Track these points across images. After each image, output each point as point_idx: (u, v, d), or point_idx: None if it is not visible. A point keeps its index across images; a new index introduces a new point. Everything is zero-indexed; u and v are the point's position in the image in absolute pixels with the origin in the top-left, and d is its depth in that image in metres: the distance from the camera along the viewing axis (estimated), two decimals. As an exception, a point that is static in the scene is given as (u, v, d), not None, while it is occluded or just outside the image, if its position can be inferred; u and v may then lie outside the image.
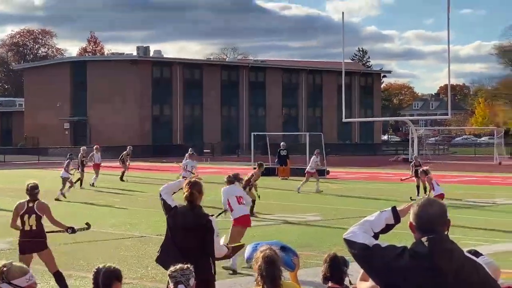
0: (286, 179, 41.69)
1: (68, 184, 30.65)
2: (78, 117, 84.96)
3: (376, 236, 4.69)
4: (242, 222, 14.84)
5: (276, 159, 44.84)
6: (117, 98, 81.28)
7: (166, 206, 8.67)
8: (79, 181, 34.19)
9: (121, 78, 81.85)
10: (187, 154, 34.24)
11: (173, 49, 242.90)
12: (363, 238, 4.60)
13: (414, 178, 29.99)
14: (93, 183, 35.52)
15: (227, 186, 15.16)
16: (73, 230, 12.43)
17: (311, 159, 35.04)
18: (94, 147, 38.53)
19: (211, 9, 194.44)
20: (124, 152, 40.38)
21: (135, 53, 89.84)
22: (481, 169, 50.98)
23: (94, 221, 21.95)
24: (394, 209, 4.81)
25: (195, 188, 8.43)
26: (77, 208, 26.16)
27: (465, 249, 7.87)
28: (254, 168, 26.92)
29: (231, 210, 14.87)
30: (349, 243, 4.65)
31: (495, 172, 48.41)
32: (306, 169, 34.51)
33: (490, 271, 7.30)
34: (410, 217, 4.58)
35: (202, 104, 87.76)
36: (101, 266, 6.08)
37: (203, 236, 8.20)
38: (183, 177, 28.62)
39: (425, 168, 24.49)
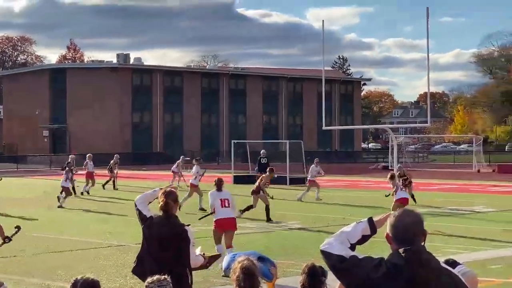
0: (267, 187, 41.57)
1: (63, 194, 30.90)
2: (58, 124, 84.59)
3: (352, 247, 4.66)
4: (219, 225, 15.39)
5: (256, 167, 44.79)
6: (97, 106, 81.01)
7: (142, 217, 8.60)
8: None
9: (101, 85, 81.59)
10: (191, 162, 34.39)
11: (154, 57, 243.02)
12: (340, 249, 4.58)
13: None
14: (87, 191, 35.64)
15: (214, 190, 15.85)
16: (9, 239, 12.35)
17: (310, 167, 34.64)
18: (87, 156, 38.41)
19: (191, 17, 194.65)
20: (112, 161, 40.36)
21: (115, 60, 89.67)
22: (460, 177, 51.20)
23: (74, 229, 21.88)
24: (370, 220, 4.79)
25: (170, 198, 8.37)
26: (56, 216, 26.02)
27: (443, 258, 7.89)
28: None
29: (215, 213, 15.57)
30: (326, 254, 4.62)
31: (474, 179, 48.63)
32: (308, 178, 34.26)
33: (468, 281, 7.31)
34: (387, 228, 4.56)
35: (182, 111, 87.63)
36: (79, 277, 6.01)
37: (179, 246, 8.14)
38: (192, 185, 29.07)
39: (392, 173, 24.52)
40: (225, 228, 15.43)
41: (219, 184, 16.04)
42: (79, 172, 36.31)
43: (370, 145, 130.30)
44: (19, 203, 30.80)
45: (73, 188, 33.79)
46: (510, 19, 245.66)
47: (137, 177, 48.11)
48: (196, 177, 29.55)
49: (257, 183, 25.60)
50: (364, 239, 4.74)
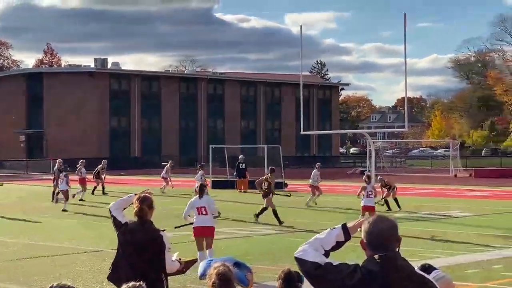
0: (245, 192, 41.66)
1: (61, 196, 31.58)
2: (34, 129, 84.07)
3: (327, 254, 4.64)
4: (197, 233, 15.82)
5: (235, 172, 44.82)
6: (74, 110, 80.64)
7: (116, 223, 8.55)
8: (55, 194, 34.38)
9: (78, 90, 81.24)
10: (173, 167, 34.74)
11: (131, 61, 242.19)
12: (314, 256, 4.56)
13: (387, 193, 30.17)
14: (80, 198, 34.98)
15: (196, 197, 16.05)
16: None
17: (313, 172, 34.47)
18: (80, 162, 38.22)
19: (169, 21, 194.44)
20: (99, 166, 40.32)
21: (92, 65, 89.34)
22: (437, 182, 51.46)
23: (51, 235, 21.74)
24: (344, 226, 4.77)
25: (145, 203, 8.32)
26: (30, 222, 25.84)
27: (419, 263, 7.91)
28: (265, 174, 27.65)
29: (187, 221, 16.13)
30: (300, 261, 4.61)
31: (451, 184, 48.88)
32: (310, 183, 34.07)
33: (444, 285, 7.33)
34: (361, 234, 4.55)
35: (160, 116, 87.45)
36: (55, 284, 5.95)
37: (154, 252, 8.09)
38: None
39: (366, 176, 24.64)
40: (202, 235, 15.82)
41: (201, 191, 16.11)
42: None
43: (352, 149, 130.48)
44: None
45: (57, 193, 33.85)
46: (486, 25, 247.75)
47: (115, 182, 47.87)
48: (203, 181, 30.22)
49: (265, 187, 25.89)
50: (338, 245, 4.72)
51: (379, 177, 32.15)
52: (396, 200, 29.65)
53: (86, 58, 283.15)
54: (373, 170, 49.09)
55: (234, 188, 42.90)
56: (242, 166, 43.49)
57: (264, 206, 25.58)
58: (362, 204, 23.33)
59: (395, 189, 30.07)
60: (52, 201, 33.88)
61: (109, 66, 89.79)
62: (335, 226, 4.80)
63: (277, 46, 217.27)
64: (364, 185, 23.52)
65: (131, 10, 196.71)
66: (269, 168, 27.84)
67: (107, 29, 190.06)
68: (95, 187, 39.33)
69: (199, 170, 33.06)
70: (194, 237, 16.00)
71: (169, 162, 43.52)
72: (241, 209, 31.16)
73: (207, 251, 15.63)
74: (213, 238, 16.04)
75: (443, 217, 27.23)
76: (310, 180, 33.97)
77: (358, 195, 23.82)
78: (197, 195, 16.05)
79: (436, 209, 30.00)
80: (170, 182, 41.36)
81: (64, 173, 32.50)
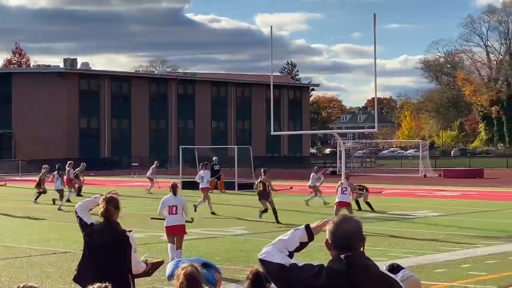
0: (224, 192, 41.63)
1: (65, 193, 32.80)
2: (2, 130, 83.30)
3: (291, 255, 4.64)
4: (168, 231, 16.55)
5: (210, 174, 44.68)
6: (43, 111, 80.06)
7: (82, 224, 8.49)
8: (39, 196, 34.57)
9: (48, 90, 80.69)
10: (140, 167, 34.51)
11: (101, 62, 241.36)
12: (279, 257, 4.55)
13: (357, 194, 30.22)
14: (67, 199, 34.07)
15: (170, 194, 16.71)
16: None
17: (311, 175, 34.45)
18: (68, 163, 37.96)
19: (139, 22, 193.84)
20: (78, 169, 39.96)
21: (62, 65, 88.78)
22: (407, 182, 51.76)
23: (20, 236, 21.56)
24: (307, 226, 4.77)
25: (111, 204, 8.27)
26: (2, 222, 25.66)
27: (388, 263, 7.95)
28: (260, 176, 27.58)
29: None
30: (265, 263, 4.60)
31: (420, 184, 49.18)
32: (309, 185, 33.99)
33: (412, 285, 7.37)
34: (326, 235, 4.55)
35: (130, 117, 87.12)
36: (21, 285, 5.89)
37: (121, 253, 8.04)
38: (203, 189, 30.29)
39: (345, 175, 24.94)
40: (174, 234, 16.42)
41: (174, 189, 16.68)
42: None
43: (327, 150, 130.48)
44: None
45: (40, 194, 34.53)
46: (455, 26, 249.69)
47: (85, 183, 47.52)
48: (207, 180, 31.09)
49: (260, 188, 26.41)
50: (302, 246, 4.72)
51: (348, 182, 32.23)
52: (357, 202, 29.55)
53: (55, 58, 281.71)
54: (343, 170, 49.23)
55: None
56: (216, 167, 43.43)
57: (263, 208, 26.05)
58: (337, 200, 23.81)
59: (366, 191, 30.08)
60: (34, 201, 33.86)
61: (78, 66, 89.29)
62: (298, 227, 4.79)
63: (248, 47, 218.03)
64: (341, 182, 23.98)
65: (101, 10, 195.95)
66: (262, 170, 27.89)
67: (76, 29, 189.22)
68: (79, 188, 39.00)
69: (201, 169, 32.55)
70: (166, 234, 16.70)
71: (155, 162, 43.54)
72: (213, 209, 31.07)
73: (176, 251, 16.21)
74: (183, 236, 16.56)
75: (412, 217, 27.38)
76: (309, 182, 33.91)
77: (336, 191, 24.17)
78: (171, 193, 16.66)
79: (405, 209, 30.16)
80: (156, 183, 41.13)
81: (60, 172, 33.58)
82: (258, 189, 26.68)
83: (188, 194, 39.22)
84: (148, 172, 42.35)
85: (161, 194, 38.62)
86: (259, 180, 27.11)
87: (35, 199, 34.32)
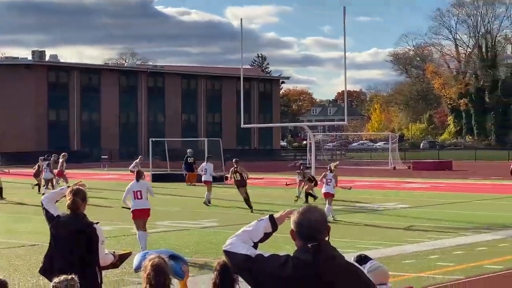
0: (195, 185, 41.55)
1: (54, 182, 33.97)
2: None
3: (255, 245, 4.64)
4: (135, 215, 17.32)
5: (184, 165, 44.59)
6: (11, 103, 79.35)
7: (49, 216, 8.43)
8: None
9: (16, 82, 79.96)
10: (110, 160, 34.49)
11: (70, 54, 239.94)
12: (244, 248, 4.54)
13: (308, 185, 30.31)
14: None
15: (134, 181, 17.56)
16: None
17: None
18: (62, 155, 37.68)
19: (109, 14, 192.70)
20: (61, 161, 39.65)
21: (30, 57, 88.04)
22: (376, 174, 52.02)
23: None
24: (271, 217, 4.77)
25: (78, 196, 8.22)
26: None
27: (355, 254, 8.00)
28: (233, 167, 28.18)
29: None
30: (230, 254, 4.58)
31: (389, 176, 49.46)
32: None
33: (379, 275, 7.43)
34: (291, 225, 4.56)
35: (100, 109, 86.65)
36: (-13, 278, 5.86)
37: (88, 245, 8.01)
38: (207, 181, 30.41)
39: (330, 166, 25.53)
40: (139, 217, 17.25)
41: (138, 175, 17.72)
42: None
43: (304, 142, 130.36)
44: None
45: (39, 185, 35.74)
46: (424, 19, 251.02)
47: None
48: (210, 173, 31.01)
49: (238, 178, 27.41)
50: (266, 236, 4.72)
51: (301, 167, 32.56)
52: (311, 193, 29.80)
53: (23, 50, 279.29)
54: (313, 163, 49.41)
55: (175, 181, 42.69)
56: (190, 160, 43.35)
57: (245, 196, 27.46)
58: (322, 191, 24.80)
59: (313, 182, 30.18)
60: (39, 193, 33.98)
61: (47, 58, 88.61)
62: (262, 218, 4.79)
63: (218, 40, 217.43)
64: (326, 173, 24.90)
65: (70, 2, 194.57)
66: (234, 160, 28.30)
67: (45, 21, 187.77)
68: (58, 180, 38.62)
69: (207, 162, 32.23)
70: (133, 218, 17.35)
71: (139, 157, 43.28)
72: (182, 202, 31.08)
73: (141, 232, 17.11)
74: (147, 219, 17.46)
75: (381, 209, 27.53)
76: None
77: (321, 181, 25.18)
78: (134, 180, 17.56)
79: (374, 201, 30.32)
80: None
81: (47, 162, 34.92)
82: (236, 179, 27.58)
83: (158, 186, 39.19)
84: (131, 165, 41.85)
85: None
86: (234, 170, 27.68)
87: (39, 190, 35.31)
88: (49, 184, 35.22)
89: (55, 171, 36.45)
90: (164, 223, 22.77)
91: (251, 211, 26.10)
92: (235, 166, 27.78)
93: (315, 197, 29.58)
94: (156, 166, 47.30)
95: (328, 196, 24.37)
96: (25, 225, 22.65)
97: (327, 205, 23.85)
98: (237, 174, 27.47)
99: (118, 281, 13.29)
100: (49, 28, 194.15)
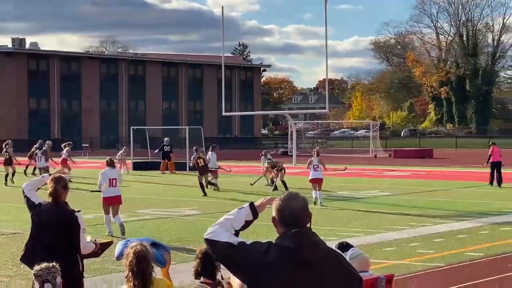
0: (175, 173, 41.53)
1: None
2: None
3: (237, 233, 4.64)
4: (107, 201, 18.15)
5: (156, 151, 44.54)
6: (-9, 91, 78.92)
7: (30, 204, 8.40)
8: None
9: (-4, 70, 79.52)
10: (90, 149, 34.56)
11: (51, 42, 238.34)
12: (226, 236, 4.54)
13: (275, 173, 30.28)
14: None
15: (107, 168, 18.43)
16: None
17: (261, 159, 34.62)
18: (67, 143, 37.41)
19: (90, 1, 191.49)
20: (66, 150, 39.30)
21: (10, 45, 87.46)
22: (357, 162, 52.13)
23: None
24: (252, 205, 4.77)
25: (60, 184, 8.19)
26: None
27: (337, 241, 8.03)
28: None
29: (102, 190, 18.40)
30: (211, 242, 4.58)
31: (371, 164, 49.61)
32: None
33: (360, 262, 7.48)
34: (272, 212, 4.56)
35: (81, 97, 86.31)
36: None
37: (69, 233, 7.98)
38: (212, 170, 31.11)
39: (314, 151, 26.19)
40: (112, 204, 18.03)
41: (111, 163, 18.70)
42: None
43: (268, 131, 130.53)
44: None
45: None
46: (406, 8, 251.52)
47: (33, 164, 47.04)
48: (214, 163, 31.50)
49: (202, 164, 29.07)
50: (247, 224, 4.72)
51: (268, 157, 32.53)
52: (284, 182, 29.73)
53: (3, 38, 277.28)
54: (294, 151, 49.54)
55: (156, 170, 42.68)
56: (167, 148, 43.29)
57: (212, 181, 29.66)
58: (310, 177, 24.86)
59: (283, 171, 30.12)
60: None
61: (27, 46, 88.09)
62: (243, 206, 4.79)
63: (199, 28, 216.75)
64: (311, 159, 25.12)
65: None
66: (194, 148, 29.29)
67: (25, 8, 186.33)
68: (34, 168, 38.23)
69: (211, 151, 32.26)
70: (103, 204, 18.18)
71: (124, 148, 43.22)
72: (163, 190, 31.05)
73: (115, 217, 17.86)
74: (119, 205, 18.27)
75: (362, 196, 27.62)
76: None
77: (308, 167, 25.20)
78: (109, 167, 18.48)
79: (356, 189, 30.42)
80: (124, 166, 40.75)
81: (41, 150, 34.54)
82: (200, 164, 28.92)
83: (139, 174, 39.14)
84: (118, 155, 41.75)
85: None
86: (197, 156, 29.27)
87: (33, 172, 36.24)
88: (42, 172, 34.03)
89: (57, 159, 36.02)
90: (145, 211, 22.76)
91: (204, 194, 27.81)
92: (196, 153, 29.57)
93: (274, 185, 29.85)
94: (136, 155, 47.18)
95: (318, 181, 24.55)
96: (4, 213, 22.54)
97: (318, 192, 24.22)
98: (201, 159, 28.96)
99: (99, 269, 13.28)
100: (29, 16, 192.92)
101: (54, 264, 6.33)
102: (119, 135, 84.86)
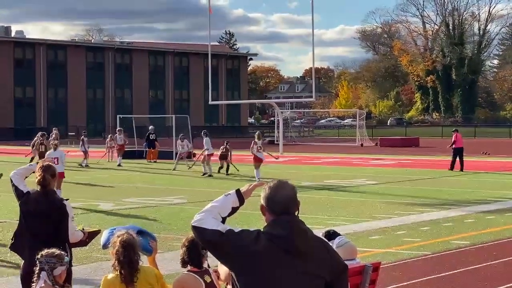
0: (155, 162, 41.48)
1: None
2: None
3: (223, 220, 4.62)
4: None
5: (145, 142, 44.53)
6: (-24, 80, 78.53)
7: (18, 192, 8.35)
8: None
9: (-19, 59, 79.11)
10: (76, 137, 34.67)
11: (36, 30, 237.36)
12: (214, 224, 4.51)
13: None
14: (86, 165, 37.86)
15: (51, 150, 22.86)
16: None
17: (177, 142, 37.34)
18: (118, 129, 40.99)
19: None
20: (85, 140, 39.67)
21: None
22: (344, 151, 52.24)
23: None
24: (238, 191, 4.74)
25: (48, 172, 8.15)
26: None
27: (324, 229, 8.04)
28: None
29: None
30: (199, 230, 4.54)
31: (357, 153, 49.69)
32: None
33: (347, 250, 7.50)
34: (261, 200, 4.54)
35: (67, 86, 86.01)
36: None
37: (57, 221, 7.96)
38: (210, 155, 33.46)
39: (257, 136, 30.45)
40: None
41: (55, 147, 23.08)
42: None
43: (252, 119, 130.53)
44: None
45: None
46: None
47: (20, 153, 46.93)
48: (208, 149, 33.10)
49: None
50: (233, 211, 4.70)
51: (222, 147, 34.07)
52: (228, 166, 32.92)
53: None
54: (281, 140, 49.58)
55: (143, 158, 42.65)
56: (152, 137, 43.29)
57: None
58: (255, 156, 29.56)
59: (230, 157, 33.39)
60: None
61: (13, 34, 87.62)
62: (229, 192, 4.76)
63: (186, 16, 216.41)
64: (256, 141, 29.67)
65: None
66: (180, 136, 32.50)
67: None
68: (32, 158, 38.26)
69: (206, 136, 33.90)
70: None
71: (109, 136, 43.59)
72: (150, 179, 31.02)
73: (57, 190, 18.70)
74: (62, 179, 21.71)
75: (349, 185, 27.67)
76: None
77: (252, 148, 29.82)
78: (52, 149, 23.03)
79: (342, 178, 30.46)
80: (108, 154, 41.39)
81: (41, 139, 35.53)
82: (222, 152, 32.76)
83: (125, 163, 39.04)
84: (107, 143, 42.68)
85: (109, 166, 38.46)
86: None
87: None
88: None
89: (76, 149, 36.93)
90: (131, 199, 22.73)
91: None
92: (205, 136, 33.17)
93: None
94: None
95: (259, 161, 29.40)
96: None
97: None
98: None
99: (86, 257, 13.26)
100: (14, 3, 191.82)
101: (61, 252, 6.35)
102: (105, 124, 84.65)
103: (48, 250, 6.31)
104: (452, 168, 33.51)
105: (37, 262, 6.28)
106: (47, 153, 23.50)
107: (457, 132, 35.04)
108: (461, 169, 33.22)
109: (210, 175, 31.74)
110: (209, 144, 33.08)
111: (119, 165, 37.87)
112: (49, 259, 6.21)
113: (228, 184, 27.87)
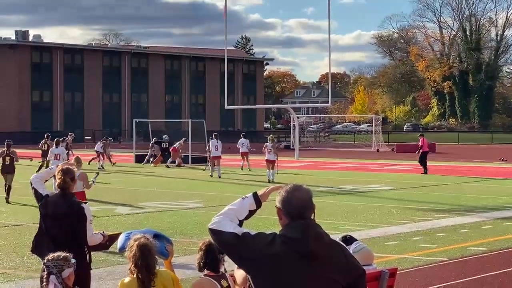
0: (155, 166, 41.35)
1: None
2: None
3: (240, 223, 4.63)
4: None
5: (152, 149, 44.53)
6: (-6, 83, 78.94)
7: (38, 195, 8.39)
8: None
9: (-1, 62, 79.53)
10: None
11: (54, 34, 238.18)
12: (231, 227, 4.52)
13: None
14: (102, 166, 39.13)
15: (54, 147, 26.04)
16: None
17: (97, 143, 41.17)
18: (104, 137, 42.51)
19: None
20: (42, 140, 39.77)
21: (13, 37, 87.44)
22: (360, 156, 52.12)
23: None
24: (255, 194, 4.75)
25: (68, 176, 8.19)
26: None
27: (340, 235, 8.02)
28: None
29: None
30: (216, 233, 4.55)
31: (373, 158, 49.56)
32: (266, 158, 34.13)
33: (364, 256, 7.48)
34: (277, 203, 4.54)
35: (83, 90, 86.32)
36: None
37: (76, 224, 7.99)
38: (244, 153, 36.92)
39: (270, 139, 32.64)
40: None
41: (56, 144, 26.27)
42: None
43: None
44: None
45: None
46: (409, 2, 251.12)
47: (36, 156, 47.09)
48: (215, 149, 34.15)
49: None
50: (250, 214, 4.71)
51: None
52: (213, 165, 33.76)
53: (6, 30, 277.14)
54: (297, 145, 49.53)
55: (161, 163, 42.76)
56: (164, 145, 43.33)
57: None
58: (265, 158, 31.83)
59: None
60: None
61: (30, 38, 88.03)
62: (246, 195, 4.77)
63: (202, 21, 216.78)
64: (266, 144, 32.28)
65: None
66: (183, 140, 33.74)
67: (29, 1, 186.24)
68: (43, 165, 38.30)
69: (218, 139, 34.51)
70: None
71: (109, 139, 43.83)
72: (166, 183, 31.05)
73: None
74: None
75: (365, 190, 27.60)
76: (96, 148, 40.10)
77: (263, 150, 32.25)
78: (54, 146, 26.29)
79: (358, 183, 30.40)
80: (105, 158, 41.09)
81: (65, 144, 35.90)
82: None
83: (141, 167, 39.10)
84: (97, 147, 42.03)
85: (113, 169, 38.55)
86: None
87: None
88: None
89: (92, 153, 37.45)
90: (147, 204, 22.75)
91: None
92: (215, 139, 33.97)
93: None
94: (139, 147, 47.19)
95: (270, 162, 31.33)
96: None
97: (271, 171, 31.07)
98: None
99: (102, 261, 13.28)
100: (33, 9, 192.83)
101: (67, 254, 6.34)
102: (121, 128, 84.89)
103: (54, 254, 6.31)
104: (426, 171, 35.42)
105: (45, 267, 6.27)
106: (50, 149, 26.82)
107: (423, 136, 37.49)
108: (425, 172, 35.26)
109: (210, 175, 33.47)
110: (213, 146, 34.15)
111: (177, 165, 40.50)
112: (56, 262, 6.21)
113: (244, 188, 27.85)
